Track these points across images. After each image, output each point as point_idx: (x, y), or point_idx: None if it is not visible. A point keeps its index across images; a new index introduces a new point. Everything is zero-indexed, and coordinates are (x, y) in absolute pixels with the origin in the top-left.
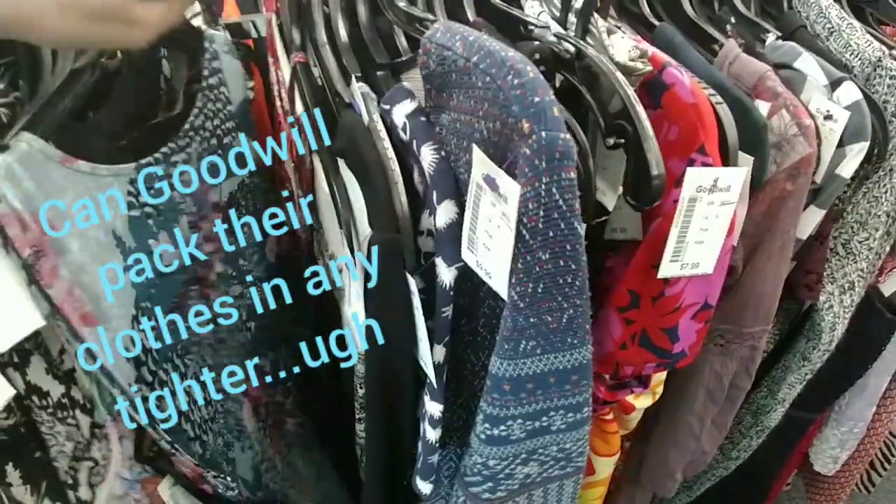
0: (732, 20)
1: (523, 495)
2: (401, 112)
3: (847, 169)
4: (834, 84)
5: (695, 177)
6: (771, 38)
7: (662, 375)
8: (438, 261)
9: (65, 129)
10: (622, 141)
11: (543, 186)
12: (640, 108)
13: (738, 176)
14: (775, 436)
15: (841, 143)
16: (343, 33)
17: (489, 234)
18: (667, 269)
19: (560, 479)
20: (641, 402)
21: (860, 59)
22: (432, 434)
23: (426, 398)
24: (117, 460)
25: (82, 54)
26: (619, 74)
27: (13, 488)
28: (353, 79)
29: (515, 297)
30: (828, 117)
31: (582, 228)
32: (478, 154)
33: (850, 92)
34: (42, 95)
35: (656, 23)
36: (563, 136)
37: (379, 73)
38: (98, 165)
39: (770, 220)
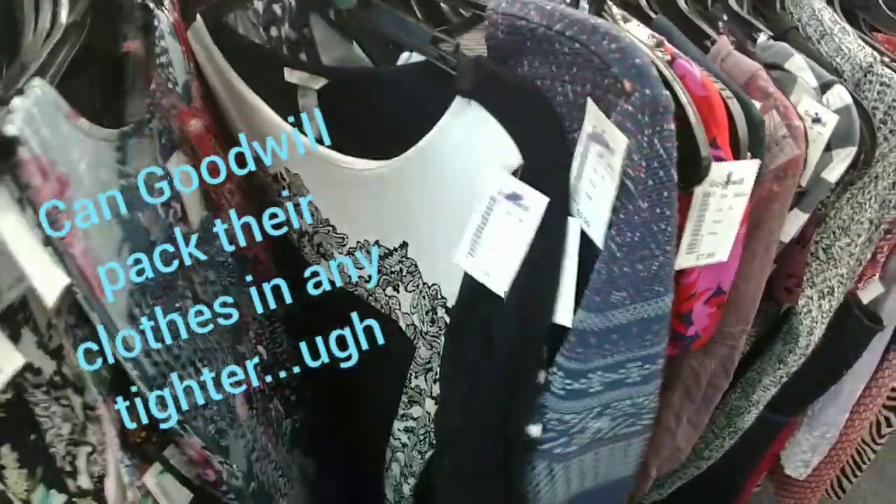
0: (725, 17)
1: (591, 451)
2: None
3: (833, 173)
4: (824, 87)
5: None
6: (762, 37)
7: None
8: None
9: (64, 83)
10: None
11: (646, 138)
12: (685, 90)
13: (750, 168)
14: (748, 437)
15: (828, 147)
16: None
17: (593, 184)
18: (684, 261)
19: (628, 437)
20: None
21: (851, 63)
22: (542, 375)
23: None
24: (114, 444)
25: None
26: (657, 58)
27: (7, 471)
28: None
29: (613, 246)
30: (816, 120)
31: (676, 176)
32: (592, 108)
33: (839, 96)
34: (27, 51)
35: (653, 15)
36: (664, 93)
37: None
38: (94, 126)
39: (755, 220)
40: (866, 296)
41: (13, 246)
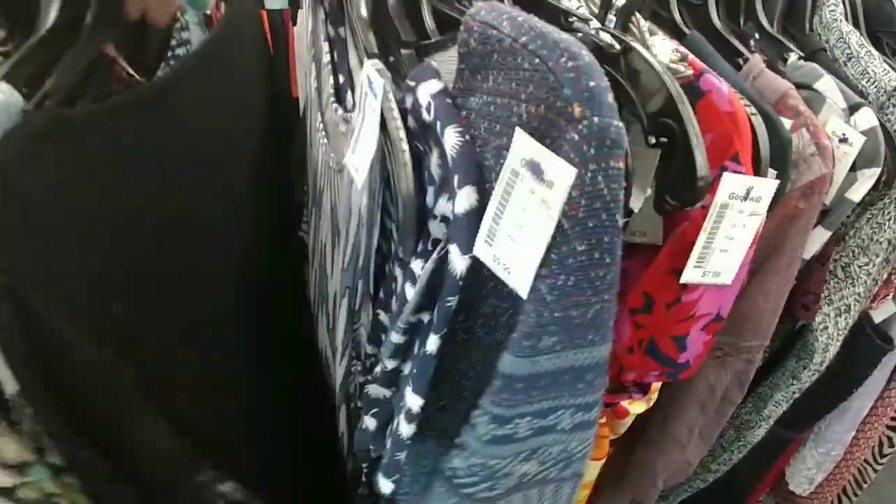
0: (756, 36)
1: (519, 493)
2: (426, 91)
3: (857, 193)
4: (852, 108)
5: (730, 182)
6: (793, 57)
7: (658, 383)
8: (452, 248)
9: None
10: (664, 140)
11: (589, 174)
12: (688, 107)
13: (769, 187)
14: (755, 452)
15: (853, 167)
16: (363, 8)
17: (519, 225)
18: (690, 275)
19: (558, 480)
20: (636, 407)
21: (876, 86)
22: (406, 430)
23: (407, 390)
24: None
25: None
26: (668, 72)
27: None
28: (366, 57)
29: (544, 290)
30: (843, 140)
31: (622, 221)
32: (521, 137)
33: (867, 118)
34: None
35: (687, 31)
36: (616, 124)
37: (403, 51)
38: None
39: (779, 236)
40: (878, 315)
41: None
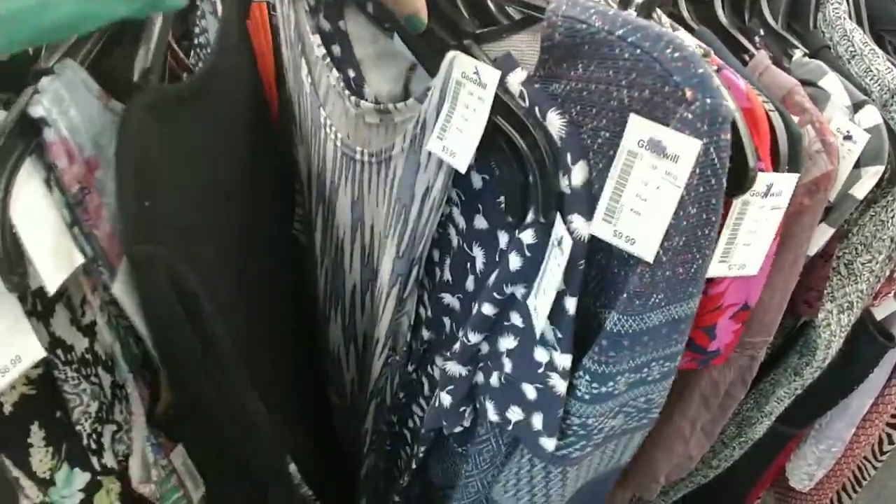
0: (761, 32)
1: (601, 448)
2: (516, 80)
3: (861, 190)
4: (856, 106)
5: None
6: (798, 54)
7: None
8: (575, 217)
9: (97, 63)
10: None
11: (703, 147)
12: (735, 102)
13: (790, 182)
14: (755, 448)
15: (857, 165)
16: None
17: (642, 199)
18: (715, 270)
19: (633, 431)
20: None
21: (879, 84)
22: (562, 387)
23: (553, 353)
24: (140, 423)
25: None
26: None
27: (33, 449)
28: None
29: (661, 252)
30: (847, 137)
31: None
32: (637, 121)
33: (871, 115)
34: None
35: (695, 27)
36: (725, 104)
37: (465, 41)
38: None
39: (785, 233)
40: (880, 313)
41: (26, 227)
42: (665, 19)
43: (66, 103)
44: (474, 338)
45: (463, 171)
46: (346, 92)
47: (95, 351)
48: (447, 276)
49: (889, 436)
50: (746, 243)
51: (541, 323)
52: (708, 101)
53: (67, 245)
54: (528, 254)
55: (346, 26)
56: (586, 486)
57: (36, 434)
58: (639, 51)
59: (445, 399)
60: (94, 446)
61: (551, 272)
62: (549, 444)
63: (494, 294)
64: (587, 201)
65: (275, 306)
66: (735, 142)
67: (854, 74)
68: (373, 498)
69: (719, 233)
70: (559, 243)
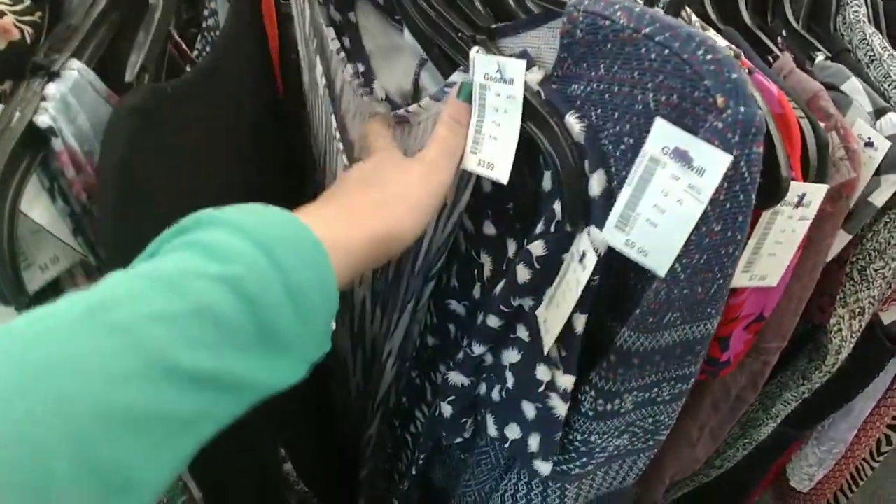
0: (783, 34)
1: (603, 468)
2: (533, 79)
3: (880, 198)
4: (878, 112)
5: None
6: (820, 57)
7: None
8: (592, 229)
9: (105, 61)
10: None
11: (733, 160)
12: (768, 108)
13: (820, 192)
14: (758, 448)
15: (877, 172)
16: None
17: (661, 210)
18: (737, 280)
19: (639, 452)
20: None
21: None
22: (563, 409)
23: (555, 372)
24: None
25: None
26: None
27: None
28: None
29: (678, 268)
30: (868, 144)
31: (755, 199)
32: (663, 126)
33: (893, 122)
34: (69, 17)
35: (721, 27)
36: (760, 113)
37: (479, 37)
38: None
39: (806, 240)
40: (888, 317)
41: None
42: (695, 18)
43: (73, 110)
44: (478, 349)
45: (505, 181)
46: (359, 89)
47: None
48: (454, 282)
49: (888, 437)
50: (771, 254)
51: (551, 338)
52: (741, 109)
53: (70, 253)
54: (537, 266)
55: (357, 17)
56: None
57: None
58: (667, 51)
59: (446, 409)
60: None
61: (568, 286)
62: (543, 467)
63: (501, 306)
64: (605, 213)
65: None
66: (768, 150)
67: (873, 79)
68: (371, 499)
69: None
70: (581, 258)
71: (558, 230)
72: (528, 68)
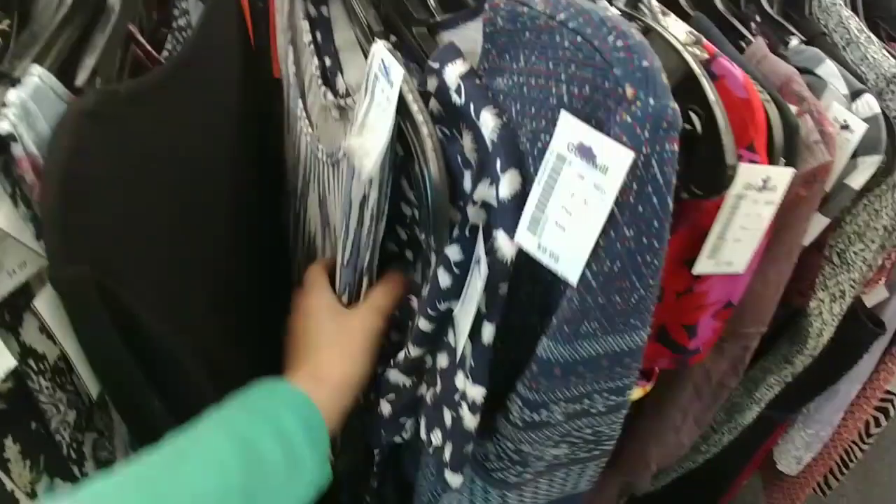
0: (757, 18)
1: (546, 476)
2: (454, 72)
3: (857, 181)
4: (854, 95)
5: (746, 173)
6: (795, 41)
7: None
8: (499, 233)
9: (66, 66)
10: (688, 127)
11: (643, 158)
12: (714, 92)
13: (785, 176)
14: (743, 433)
15: (854, 155)
16: None
17: (567, 211)
18: (703, 266)
19: (584, 461)
20: (633, 394)
21: (875, 72)
22: (472, 421)
23: (466, 382)
24: (122, 429)
25: None
26: (691, 57)
27: (11, 464)
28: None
29: (589, 276)
30: (844, 127)
31: (672, 203)
32: (568, 120)
33: (869, 105)
34: (36, 23)
35: (691, 13)
36: (673, 105)
37: (416, 29)
38: None
39: (781, 224)
40: (870, 300)
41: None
42: (655, 4)
43: (32, 116)
44: (415, 351)
45: (365, 176)
46: (320, 81)
47: (68, 358)
48: (417, 277)
49: (876, 419)
50: (737, 239)
51: (461, 340)
52: (651, 101)
53: (36, 258)
54: (455, 271)
55: (329, 12)
56: None
57: (11, 448)
58: (580, 38)
59: (385, 407)
60: (74, 456)
61: (474, 289)
62: (452, 479)
63: (428, 309)
64: (514, 214)
65: (252, 306)
66: (713, 137)
67: (850, 62)
68: (351, 496)
69: (705, 229)
70: (479, 262)
71: (472, 234)
72: (450, 61)
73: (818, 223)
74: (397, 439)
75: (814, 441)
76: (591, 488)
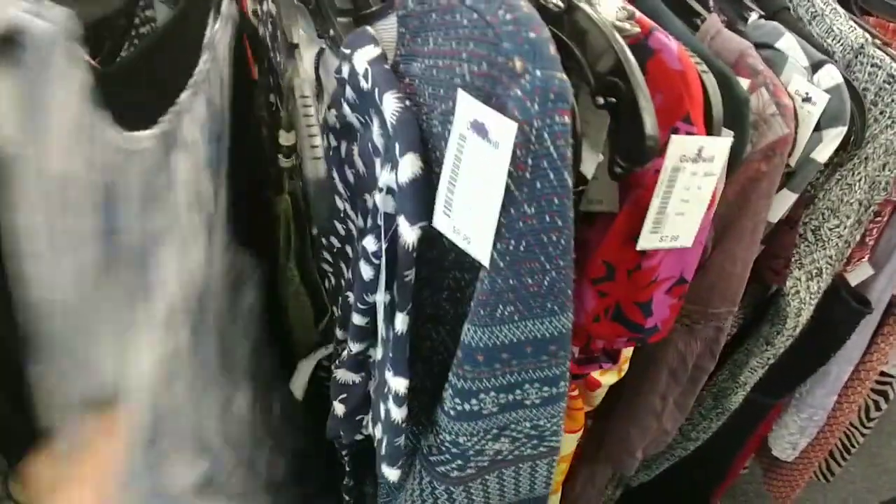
0: None
1: (493, 473)
2: (363, 57)
3: (823, 153)
4: (815, 66)
5: (679, 145)
6: (754, 16)
7: (629, 352)
8: (401, 220)
9: None
10: (613, 100)
11: (534, 131)
12: (635, 65)
13: (722, 146)
14: (735, 419)
15: (818, 127)
16: None
17: (473, 191)
18: (646, 241)
19: (532, 458)
20: (607, 378)
21: (842, 44)
22: (398, 413)
23: (387, 374)
24: None
25: None
26: (613, 30)
27: None
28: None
29: (495, 255)
30: (806, 99)
31: (571, 181)
32: (464, 98)
33: (831, 75)
34: None
35: None
36: (559, 76)
37: (341, 19)
38: None
39: (742, 200)
40: (854, 278)
41: None
42: None
43: None
44: (355, 347)
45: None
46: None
47: None
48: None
49: (875, 402)
50: (679, 212)
51: (380, 325)
52: (538, 73)
53: None
54: (374, 261)
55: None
56: None
57: None
58: (475, 15)
59: (339, 408)
60: None
61: (381, 280)
62: (389, 473)
63: (358, 304)
64: (413, 199)
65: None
66: (633, 109)
67: (815, 35)
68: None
69: (647, 203)
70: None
71: (387, 223)
72: (360, 46)
73: (785, 199)
74: (358, 437)
75: (808, 425)
76: (583, 480)
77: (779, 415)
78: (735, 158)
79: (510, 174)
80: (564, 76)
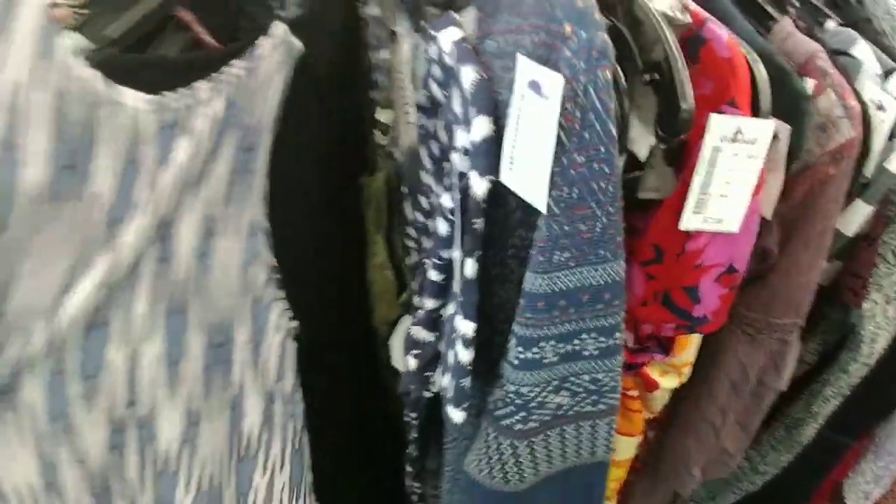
0: (797, 3)
1: (555, 430)
2: (447, 38)
3: (895, 163)
4: (888, 73)
5: (718, 124)
6: (831, 24)
7: (690, 356)
8: (472, 174)
9: None
10: (657, 76)
11: (581, 86)
12: (674, 43)
13: (763, 129)
14: (808, 458)
15: (891, 136)
16: None
17: (532, 143)
18: (689, 221)
19: (593, 416)
20: (667, 381)
21: None
22: (465, 355)
23: (457, 319)
24: None
25: None
26: (656, 14)
27: None
28: None
29: (551, 203)
30: (879, 108)
31: (616, 132)
32: (522, 61)
33: None
34: None
35: None
36: (602, 36)
37: (430, 9)
38: None
39: (809, 204)
40: None
41: None
42: None
43: None
44: (429, 303)
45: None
46: None
47: None
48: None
49: None
50: (723, 194)
51: (455, 281)
52: (583, 34)
53: None
54: (450, 217)
55: None
56: (558, 478)
57: None
58: None
59: (411, 362)
60: None
61: (456, 231)
62: (455, 414)
63: (435, 259)
64: (485, 157)
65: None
66: (671, 83)
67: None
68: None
69: (690, 181)
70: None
71: (461, 181)
72: (443, 28)
73: (859, 210)
74: (426, 393)
75: (884, 475)
76: (641, 495)
77: (856, 461)
78: (793, 152)
79: (561, 126)
80: (606, 36)
